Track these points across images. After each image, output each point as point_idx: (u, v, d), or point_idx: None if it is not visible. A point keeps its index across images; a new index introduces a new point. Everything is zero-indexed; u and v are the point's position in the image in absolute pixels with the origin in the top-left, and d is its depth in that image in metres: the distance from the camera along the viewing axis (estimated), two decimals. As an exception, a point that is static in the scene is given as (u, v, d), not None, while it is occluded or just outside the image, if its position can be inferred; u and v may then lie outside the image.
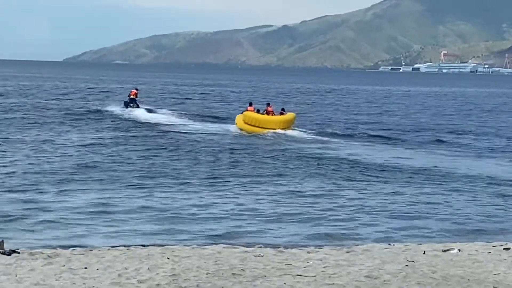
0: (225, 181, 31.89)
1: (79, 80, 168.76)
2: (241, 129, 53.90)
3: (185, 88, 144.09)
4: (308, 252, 19.51)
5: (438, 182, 33.54)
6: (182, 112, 73.18)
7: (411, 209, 27.20)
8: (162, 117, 65.65)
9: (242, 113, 56.61)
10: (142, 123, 58.96)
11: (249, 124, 53.69)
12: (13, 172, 32.42)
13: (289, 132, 52.87)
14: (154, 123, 58.86)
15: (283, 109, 56.28)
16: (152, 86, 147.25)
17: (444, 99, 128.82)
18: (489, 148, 49.42)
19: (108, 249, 19.24)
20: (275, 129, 52.69)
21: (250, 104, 57.10)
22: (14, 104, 76.22)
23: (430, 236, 23.30)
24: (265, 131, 52.30)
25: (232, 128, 55.32)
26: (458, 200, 29.51)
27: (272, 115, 54.48)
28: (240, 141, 48.05)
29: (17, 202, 26.02)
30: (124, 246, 19.93)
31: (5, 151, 39.27)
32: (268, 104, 56.83)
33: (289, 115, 54.82)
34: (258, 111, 54.81)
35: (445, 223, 25.16)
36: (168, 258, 18.05)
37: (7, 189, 28.44)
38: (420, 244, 21.18)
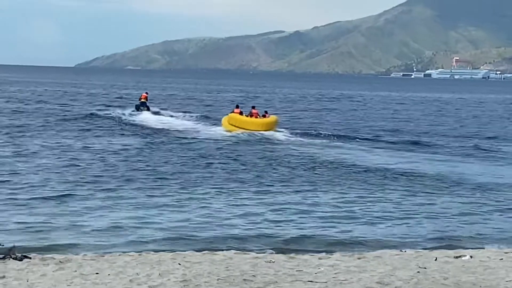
0: (233, 187, 31.84)
1: (96, 86, 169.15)
2: (226, 130, 56.90)
3: (196, 93, 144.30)
4: (319, 258, 19.50)
5: (469, 190, 33.20)
6: (193, 115, 73.84)
7: (427, 215, 27.06)
8: (172, 120, 66.93)
9: (227, 114, 60.31)
10: (155, 128, 59.01)
11: (233, 125, 57.03)
12: (43, 179, 32.44)
13: (270, 133, 55.27)
14: (164, 128, 59.08)
15: (266, 112, 59.82)
16: (163, 91, 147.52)
17: (474, 106, 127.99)
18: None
19: (119, 255, 19.27)
20: (256, 130, 55.62)
21: (237, 107, 60.40)
22: (36, 110, 76.42)
23: (441, 242, 23.21)
24: (247, 132, 55.33)
25: (218, 129, 58.04)
26: (488, 209, 29.03)
27: (256, 117, 57.51)
28: (247, 147, 48.01)
29: (38, 208, 26.05)
30: (136, 251, 19.96)
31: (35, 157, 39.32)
32: (253, 107, 60.24)
33: (271, 118, 57.98)
34: (241, 113, 58.15)
35: (461, 230, 24.98)
36: (179, 264, 18.07)
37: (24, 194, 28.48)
38: (432, 250, 21.12)
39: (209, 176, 34.74)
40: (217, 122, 63.72)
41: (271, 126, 56.85)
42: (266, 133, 55.03)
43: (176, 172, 35.64)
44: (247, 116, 57.83)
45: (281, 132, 56.45)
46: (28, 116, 67.42)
